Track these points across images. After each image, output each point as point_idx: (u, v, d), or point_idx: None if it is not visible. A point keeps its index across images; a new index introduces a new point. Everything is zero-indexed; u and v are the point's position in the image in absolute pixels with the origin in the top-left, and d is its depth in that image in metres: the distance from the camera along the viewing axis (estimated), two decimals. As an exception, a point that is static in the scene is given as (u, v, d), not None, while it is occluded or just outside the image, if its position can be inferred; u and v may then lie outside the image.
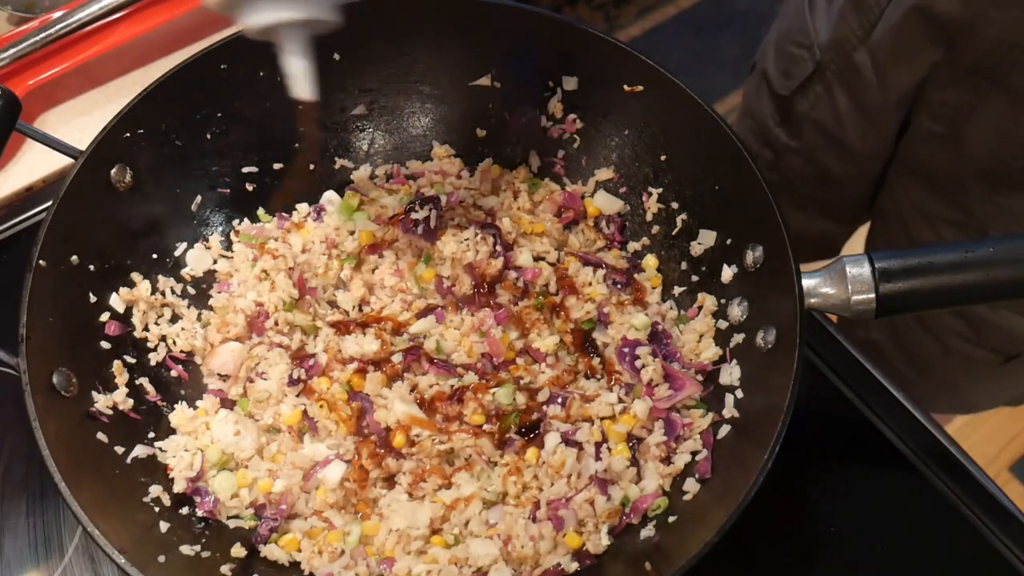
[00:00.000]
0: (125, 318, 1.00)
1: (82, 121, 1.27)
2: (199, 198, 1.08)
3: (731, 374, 0.95)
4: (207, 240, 1.08)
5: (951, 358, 1.33)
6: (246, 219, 1.10)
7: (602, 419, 0.96)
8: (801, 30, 1.32)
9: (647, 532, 0.90)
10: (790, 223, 0.89)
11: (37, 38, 1.23)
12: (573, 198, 1.12)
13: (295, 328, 1.02)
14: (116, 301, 0.99)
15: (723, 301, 1.00)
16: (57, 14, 1.25)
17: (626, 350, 0.99)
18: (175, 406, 0.99)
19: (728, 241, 1.01)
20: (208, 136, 1.06)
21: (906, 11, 1.13)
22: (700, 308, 1.02)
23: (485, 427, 0.95)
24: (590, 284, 1.05)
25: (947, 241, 1.25)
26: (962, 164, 1.19)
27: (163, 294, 1.03)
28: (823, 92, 1.31)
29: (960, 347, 1.33)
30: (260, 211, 1.11)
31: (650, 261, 1.08)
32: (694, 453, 0.94)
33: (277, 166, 1.12)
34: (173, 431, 0.97)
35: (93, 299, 0.97)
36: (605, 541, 0.89)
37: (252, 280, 1.05)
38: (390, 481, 0.94)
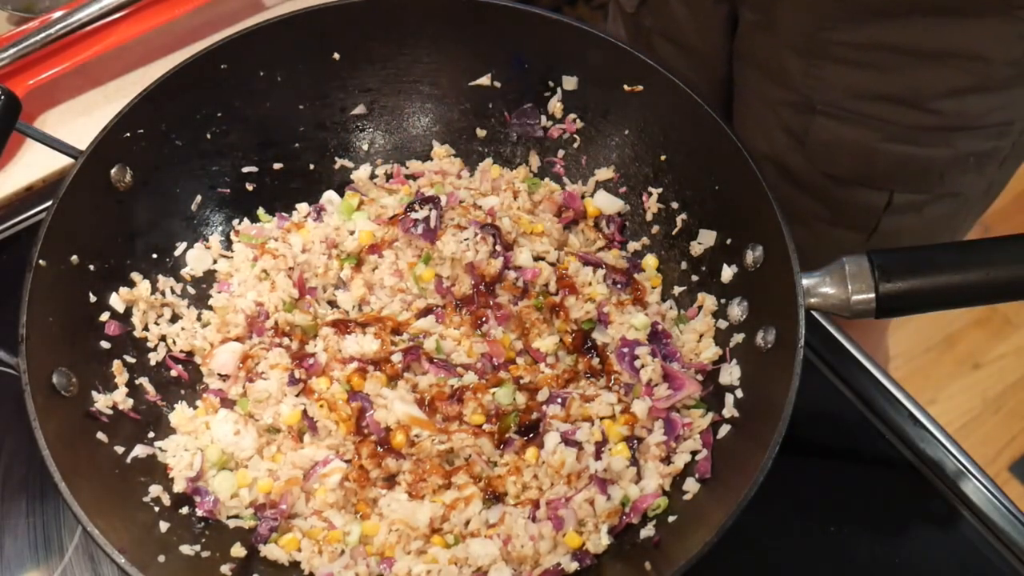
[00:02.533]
0: (125, 318, 1.00)
1: (82, 121, 1.27)
2: (199, 198, 1.08)
3: (731, 374, 0.95)
4: (207, 240, 1.08)
5: (820, 245, 1.37)
6: (246, 219, 1.10)
7: (602, 419, 0.96)
8: None
9: (647, 532, 0.90)
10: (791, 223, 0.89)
11: (37, 38, 1.23)
12: (573, 198, 1.12)
13: (295, 328, 1.02)
14: (116, 301, 0.99)
15: (723, 301, 1.00)
16: (57, 14, 1.25)
17: (625, 350, 0.99)
18: (175, 406, 0.99)
19: (728, 241, 1.01)
20: (208, 136, 1.07)
21: None
22: (700, 308, 1.02)
23: (485, 427, 0.95)
24: (590, 284, 1.05)
25: (788, 124, 1.30)
26: (780, 45, 1.24)
27: (163, 294, 1.03)
28: (660, 2, 1.38)
29: (824, 231, 1.37)
30: (260, 211, 1.11)
31: (650, 261, 1.08)
32: (694, 453, 0.94)
33: (277, 166, 1.12)
34: (173, 431, 0.97)
35: (93, 299, 0.97)
36: (605, 541, 0.89)
37: (252, 280, 1.05)
38: (390, 481, 0.94)
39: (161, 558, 0.84)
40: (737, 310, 0.98)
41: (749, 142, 1.35)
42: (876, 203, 1.30)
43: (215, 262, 1.08)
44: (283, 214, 1.11)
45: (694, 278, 1.05)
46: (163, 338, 1.02)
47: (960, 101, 1.19)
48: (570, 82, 1.10)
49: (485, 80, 1.12)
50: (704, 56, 1.39)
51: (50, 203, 0.92)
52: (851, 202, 1.32)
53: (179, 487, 0.92)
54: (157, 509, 0.90)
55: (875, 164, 1.27)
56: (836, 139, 1.26)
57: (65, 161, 0.97)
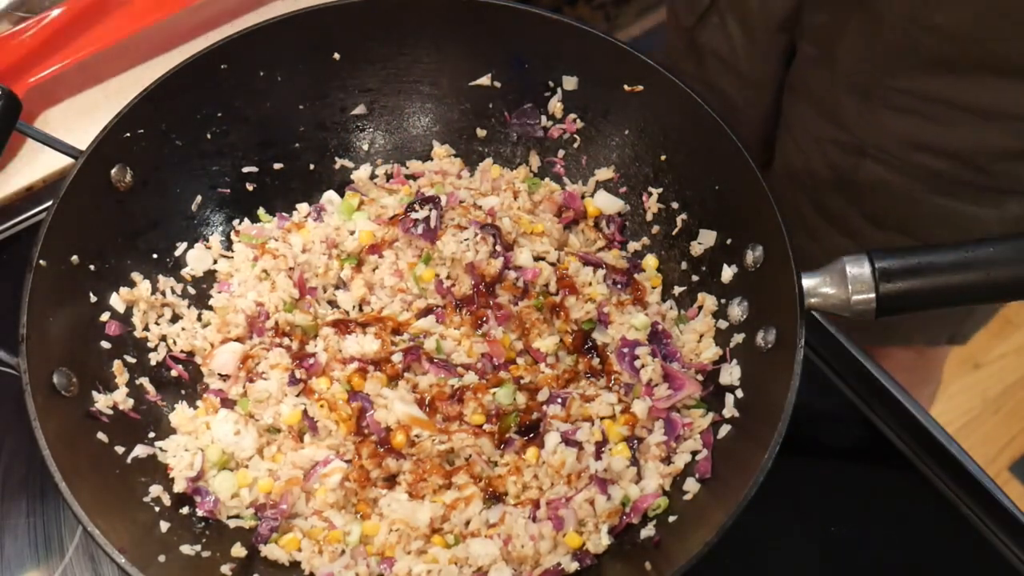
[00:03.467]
0: (125, 318, 1.00)
1: (82, 121, 1.27)
2: (199, 198, 1.08)
3: (731, 374, 0.95)
4: (207, 240, 1.08)
5: None
6: (246, 219, 1.10)
7: (602, 419, 0.96)
8: None
9: (647, 532, 0.90)
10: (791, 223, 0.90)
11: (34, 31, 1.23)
12: (573, 198, 1.12)
13: (295, 328, 1.02)
14: (116, 301, 0.99)
15: (723, 301, 1.00)
16: (56, 11, 1.25)
17: (626, 350, 0.99)
18: (175, 406, 0.99)
19: (728, 241, 1.01)
20: (208, 136, 1.06)
21: None
22: (700, 308, 1.02)
23: (485, 427, 0.95)
24: (590, 284, 1.05)
25: (834, 162, 1.30)
26: (837, 84, 1.24)
27: (163, 294, 1.03)
28: (718, 22, 1.37)
29: None
30: (260, 211, 1.11)
31: (650, 261, 1.08)
32: (694, 453, 0.94)
33: (277, 166, 1.12)
34: (173, 431, 0.97)
35: (93, 299, 0.97)
36: (605, 541, 0.89)
37: (252, 280, 1.05)
38: (390, 481, 0.94)
39: (161, 558, 0.84)
40: (737, 310, 0.98)
41: (789, 174, 1.36)
42: None
43: (215, 262, 1.08)
44: (283, 214, 1.11)
45: (694, 278, 1.05)
46: (163, 338, 1.02)
47: (1015, 164, 1.18)
48: (570, 82, 1.10)
49: (485, 80, 1.12)
50: (755, 82, 1.39)
51: (50, 203, 0.92)
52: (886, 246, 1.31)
53: (179, 487, 0.92)
54: (157, 509, 0.90)
55: (918, 214, 1.26)
56: (882, 184, 1.25)
57: (65, 161, 0.97)
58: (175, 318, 1.04)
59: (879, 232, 1.30)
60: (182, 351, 1.02)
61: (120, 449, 0.92)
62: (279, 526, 0.92)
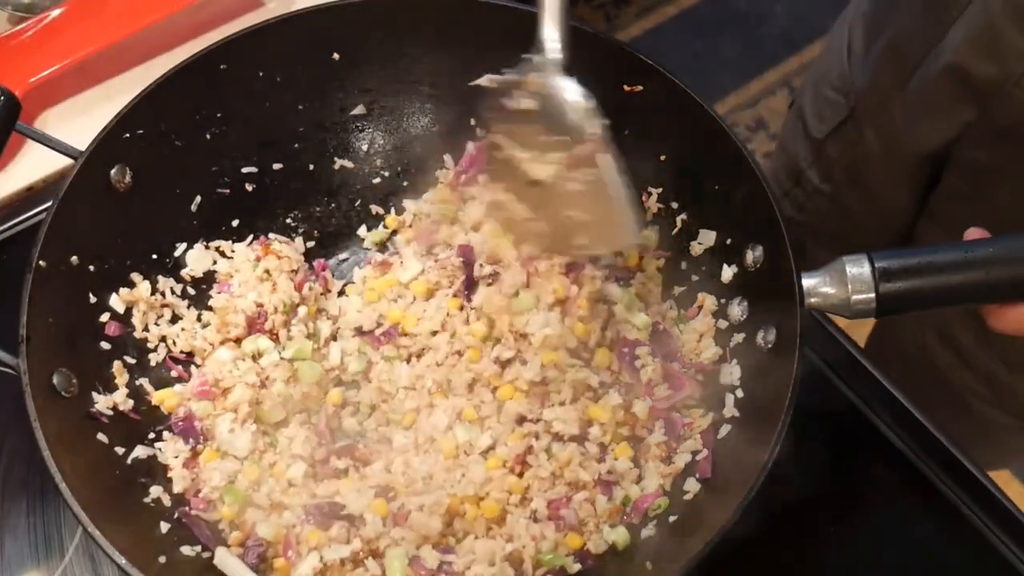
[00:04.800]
0: (125, 318, 1.00)
1: (82, 121, 1.27)
2: (199, 198, 1.07)
3: (731, 374, 0.95)
4: (207, 240, 1.08)
5: (970, 418, 1.32)
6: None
7: (602, 422, 0.95)
8: (839, 74, 1.30)
9: (648, 532, 0.90)
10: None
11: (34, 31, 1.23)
12: (573, 198, 1.11)
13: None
14: (116, 301, 0.99)
15: (723, 301, 1.00)
16: (56, 11, 1.25)
17: (626, 350, 0.99)
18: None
19: (728, 241, 1.01)
20: (208, 136, 1.06)
21: (941, 68, 1.11)
22: (700, 308, 1.02)
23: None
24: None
25: None
26: (987, 225, 1.18)
27: (163, 294, 1.03)
28: (856, 138, 1.29)
29: (979, 408, 1.32)
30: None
31: (650, 261, 1.08)
32: (694, 453, 0.94)
33: (277, 166, 1.12)
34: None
35: (93, 299, 0.97)
36: (611, 538, 0.89)
37: (253, 280, 1.05)
38: None
39: (162, 559, 0.85)
40: (737, 310, 0.98)
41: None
42: None
43: (215, 263, 1.08)
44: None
45: (694, 278, 1.05)
46: (163, 339, 1.02)
47: None
48: (570, 82, 1.10)
49: (485, 80, 1.12)
50: (886, 205, 1.31)
51: (50, 203, 0.92)
52: (1017, 390, 1.27)
53: (179, 487, 0.92)
54: (158, 510, 0.90)
55: None
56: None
57: (65, 161, 0.97)
58: (175, 319, 1.04)
59: (1010, 375, 1.25)
60: (182, 352, 1.02)
61: (120, 450, 0.92)
62: (265, 552, 0.91)
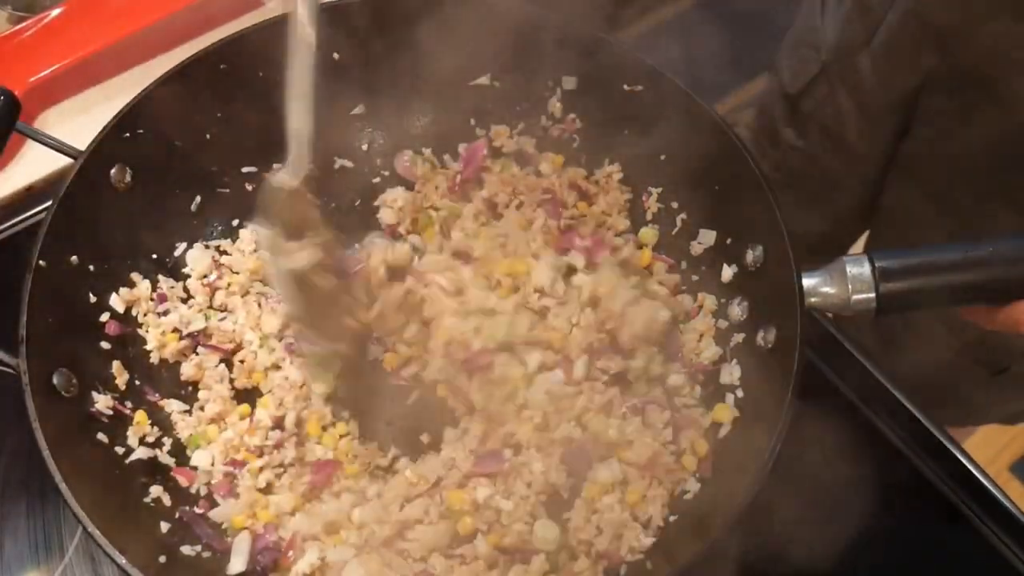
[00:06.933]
0: (125, 318, 1.00)
1: (82, 120, 1.27)
2: (199, 198, 1.08)
3: (731, 374, 0.95)
4: (207, 240, 1.08)
5: (939, 370, 1.33)
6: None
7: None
8: (811, 31, 1.34)
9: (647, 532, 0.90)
10: (790, 222, 0.89)
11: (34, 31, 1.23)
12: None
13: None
14: (116, 301, 0.99)
15: (723, 301, 1.00)
16: (56, 11, 1.25)
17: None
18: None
19: (728, 241, 1.01)
20: (208, 136, 1.06)
21: (902, 15, 1.14)
22: (700, 308, 1.02)
23: None
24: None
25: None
26: (954, 172, 1.19)
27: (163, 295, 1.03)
28: (828, 93, 1.32)
29: (949, 359, 1.33)
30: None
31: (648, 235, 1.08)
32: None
33: (276, 166, 1.11)
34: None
35: (93, 299, 0.97)
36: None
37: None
38: None
39: (162, 559, 0.85)
40: (737, 310, 0.98)
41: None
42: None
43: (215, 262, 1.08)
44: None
45: (694, 278, 1.05)
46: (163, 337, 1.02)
47: None
48: (570, 82, 1.10)
49: (485, 80, 1.12)
50: (860, 156, 1.34)
51: (50, 203, 0.92)
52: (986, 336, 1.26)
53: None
54: (157, 510, 0.90)
55: None
56: None
57: (65, 161, 0.97)
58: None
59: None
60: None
61: (120, 450, 0.92)
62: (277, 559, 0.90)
